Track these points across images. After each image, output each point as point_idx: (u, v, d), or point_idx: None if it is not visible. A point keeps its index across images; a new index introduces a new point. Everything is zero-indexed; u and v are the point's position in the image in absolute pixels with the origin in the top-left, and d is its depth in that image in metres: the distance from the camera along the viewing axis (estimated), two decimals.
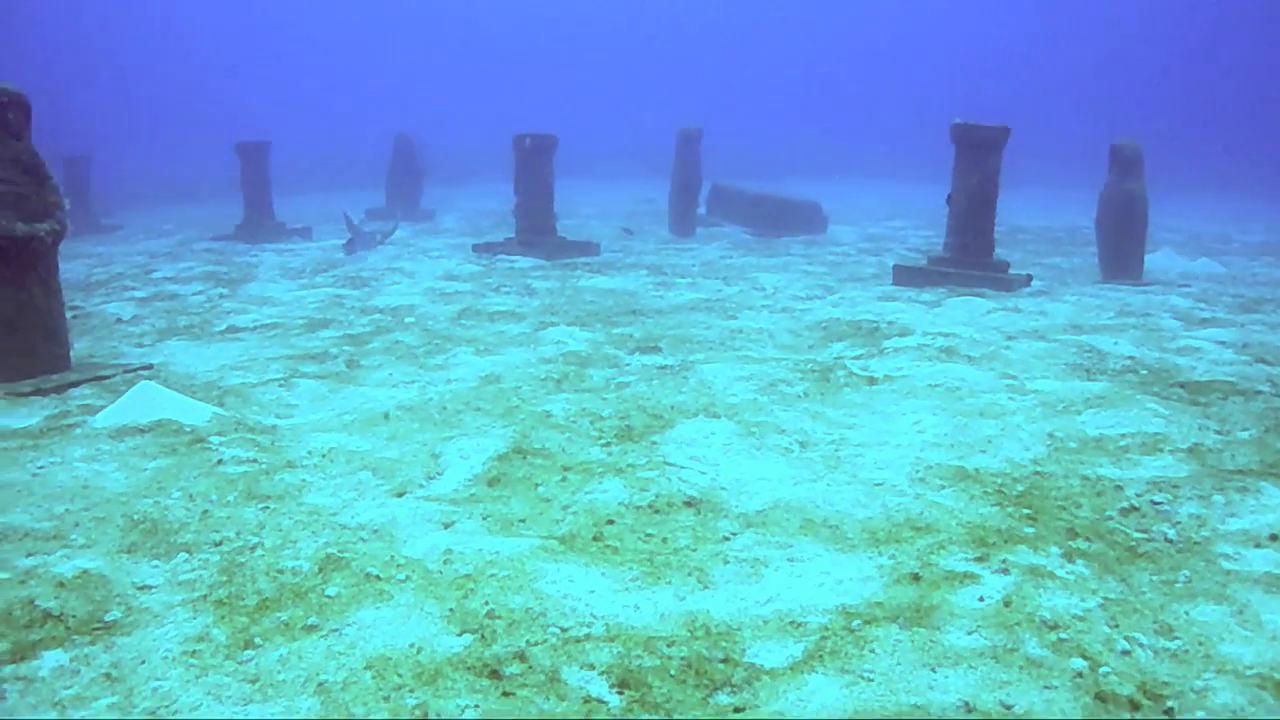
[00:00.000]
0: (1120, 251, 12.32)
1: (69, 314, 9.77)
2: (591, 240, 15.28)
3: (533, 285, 11.41)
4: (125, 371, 7.45)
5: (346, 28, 58.44)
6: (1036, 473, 4.81)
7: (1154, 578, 3.63)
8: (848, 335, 8.41)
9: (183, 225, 21.90)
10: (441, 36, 58.69)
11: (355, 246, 15.10)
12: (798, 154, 39.49)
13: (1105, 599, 3.43)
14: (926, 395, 6.31)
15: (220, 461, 5.13)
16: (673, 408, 6.03)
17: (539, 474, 4.83)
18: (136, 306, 10.42)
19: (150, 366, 7.61)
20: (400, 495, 4.62)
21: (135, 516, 4.40)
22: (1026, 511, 4.26)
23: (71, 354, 8.04)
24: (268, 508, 4.47)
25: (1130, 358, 7.28)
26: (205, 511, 4.46)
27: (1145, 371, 6.86)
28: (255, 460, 5.14)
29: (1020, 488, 4.59)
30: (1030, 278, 11.63)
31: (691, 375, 6.88)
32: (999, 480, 4.68)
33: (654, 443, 5.29)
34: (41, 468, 5.10)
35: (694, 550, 3.93)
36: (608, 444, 5.33)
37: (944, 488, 4.57)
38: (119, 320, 9.64)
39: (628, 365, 7.28)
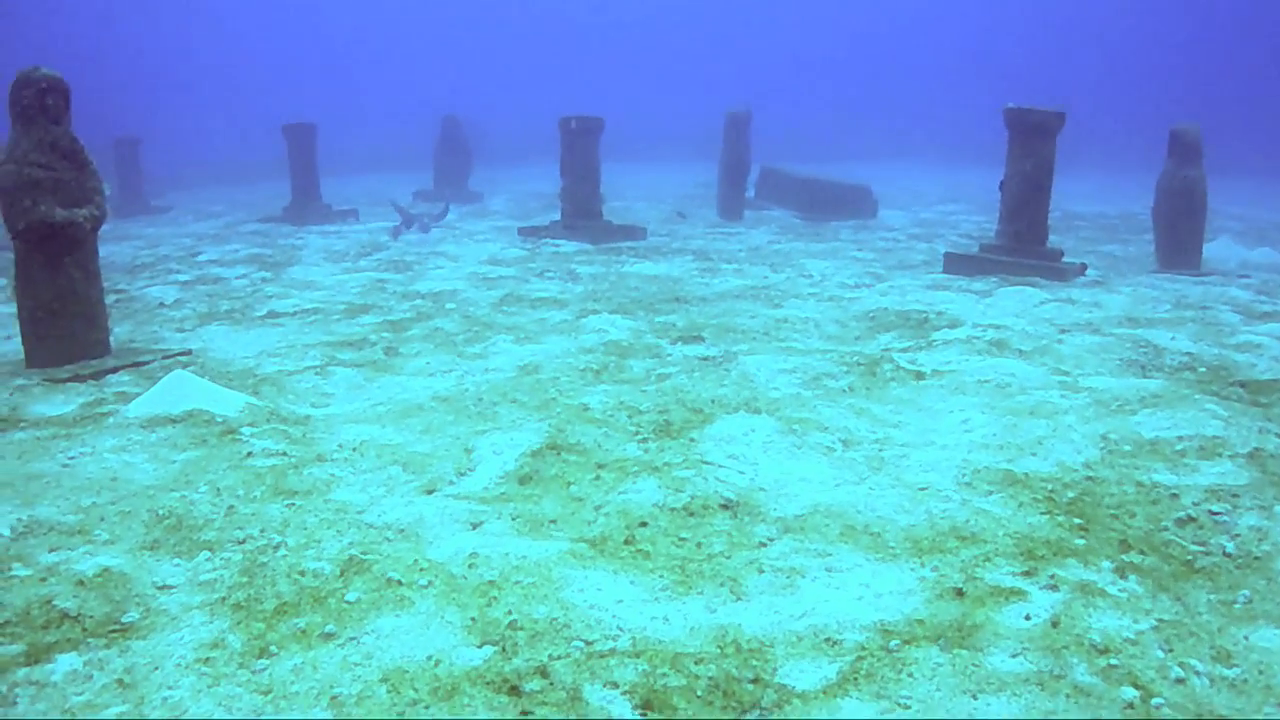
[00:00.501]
0: (1178, 241, 11.96)
1: (112, 298, 9.81)
2: (638, 224, 15.12)
3: (576, 271, 11.28)
4: (164, 358, 7.42)
5: (397, 8, 58.53)
6: (1088, 478, 4.60)
7: (1211, 596, 3.43)
8: (895, 326, 8.20)
9: (233, 207, 22.03)
10: (493, 16, 58.61)
11: (402, 230, 15.07)
12: (848, 136, 39.01)
13: (1159, 620, 3.24)
14: (975, 392, 6.10)
15: (250, 454, 5.05)
16: (713, 401, 5.88)
17: (572, 471, 4.70)
18: (179, 290, 10.42)
19: (189, 352, 7.58)
20: (430, 493, 4.51)
21: (161, 511, 4.33)
22: (1077, 521, 4.06)
23: (112, 338, 8.03)
24: (294, 504, 4.38)
25: (1188, 354, 7.01)
26: (231, 507, 4.38)
27: (1203, 369, 6.59)
28: (285, 453, 5.06)
29: (1071, 494, 4.39)
30: (1084, 267, 11.32)
31: (734, 367, 6.72)
32: (1049, 486, 4.48)
33: (692, 440, 5.14)
34: (72, 458, 5.05)
35: (728, 557, 3.78)
36: (645, 440, 5.18)
37: (991, 493, 4.39)
38: (161, 304, 9.63)
39: (669, 356, 7.13)
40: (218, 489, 4.61)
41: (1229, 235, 14.69)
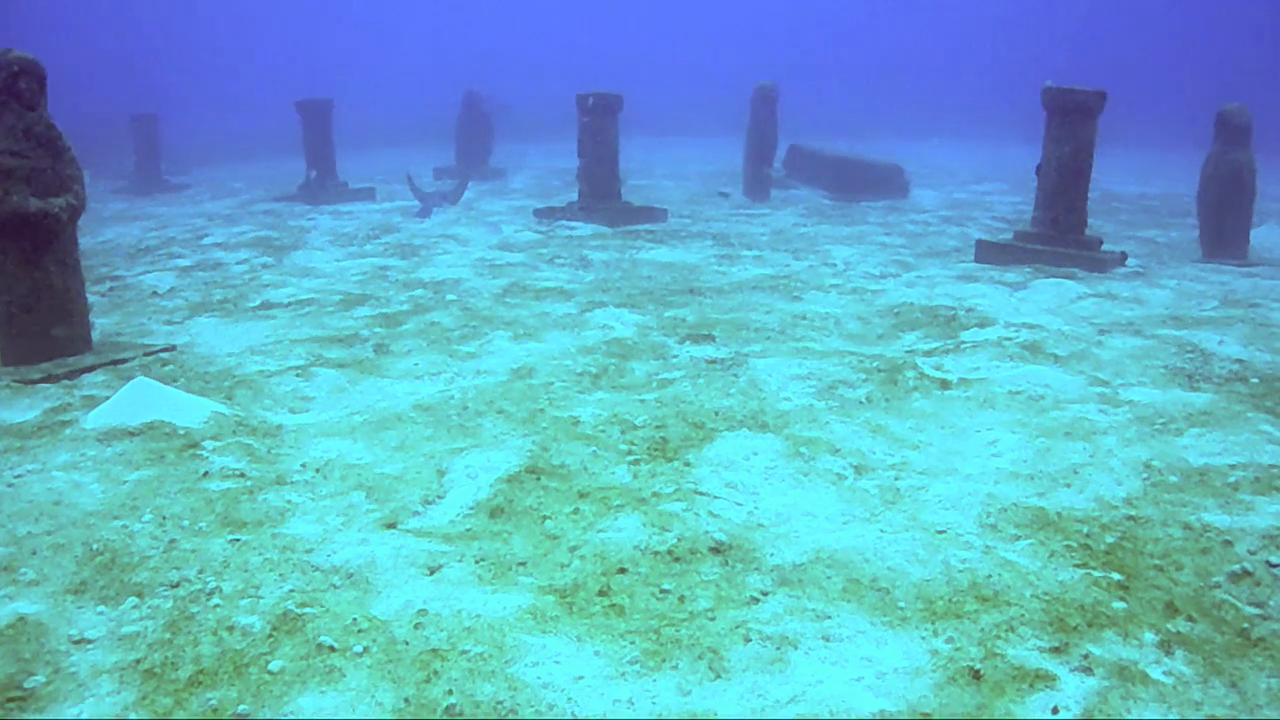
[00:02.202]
0: (1224, 228, 11.32)
1: (106, 285, 9.47)
2: (658, 206, 14.60)
3: (589, 257, 10.80)
4: (145, 355, 7.03)
5: None
6: (1129, 517, 4.09)
7: (1273, 681, 2.93)
8: (922, 324, 7.67)
9: (253, 183, 21.68)
10: None
11: (428, 211, 14.66)
12: (879, 111, 38.15)
13: (1211, 719, 2.75)
14: (1006, 406, 5.59)
15: (206, 474, 4.63)
16: (716, 414, 5.40)
17: (550, 502, 4.24)
18: (176, 277, 10.03)
19: (173, 348, 7.19)
20: (389, 526, 4.07)
21: (96, 545, 3.92)
22: (1117, 577, 3.56)
23: (98, 331, 7.68)
24: (239, 540, 3.95)
25: (1239, 361, 6.45)
26: (172, 541, 3.96)
27: (1256, 380, 6.04)
28: (243, 474, 4.64)
29: (1110, 539, 3.89)
30: (1124, 256, 10.71)
31: (743, 372, 6.24)
32: (1085, 528, 3.98)
33: (687, 463, 4.67)
34: (19, 476, 4.66)
35: (712, 618, 3.31)
36: (636, 461, 4.72)
37: (1019, 538, 3.89)
38: (155, 293, 9.25)
39: (675, 358, 6.65)
40: (163, 517, 4.19)
41: (1276, 220, 13.99)
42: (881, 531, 3.93)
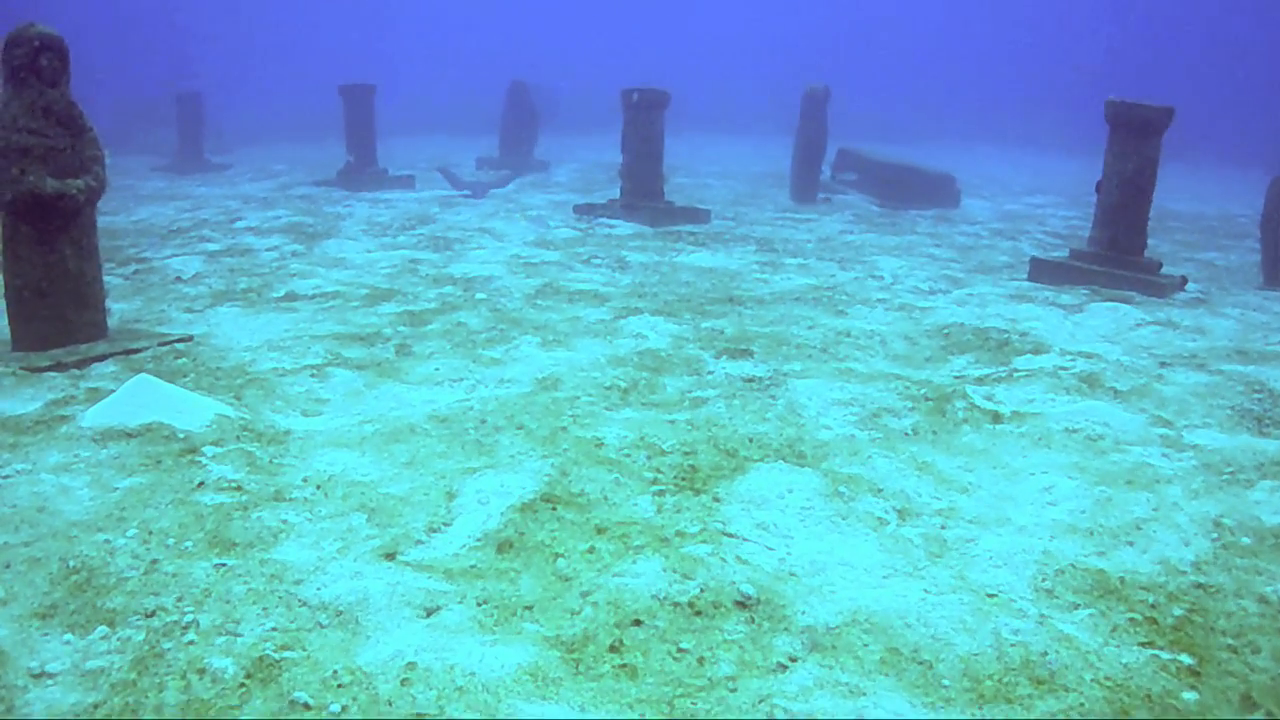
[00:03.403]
0: None
1: (131, 268, 9.25)
2: (701, 206, 14.21)
3: (626, 258, 10.45)
4: (160, 345, 6.79)
5: None
6: (1199, 585, 3.70)
7: None
8: (972, 347, 7.27)
9: (294, 165, 21.53)
10: None
11: (482, 192, 14.56)
12: (931, 118, 37.46)
13: None
14: (1062, 445, 5.19)
15: (201, 484, 4.34)
16: (751, 441, 5.04)
17: (565, 537, 3.90)
18: (203, 262, 9.79)
19: (189, 339, 6.93)
20: (389, 556, 3.74)
21: (74, 562, 3.64)
22: (1187, 660, 3.17)
23: (117, 317, 7.47)
24: (225, 564, 3.65)
25: None
26: (154, 562, 3.66)
27: None
28: (240, 486, 4.34)
29: (1178, 611, 3.50)
30: (1184, 280, 10.23)
31: (781, 394, 5.87)
32: (1150, 597, 3.59)
33: (717, 498, 4.31)
34: (6, 478, 4.41)
35: (734, 688, 2.96)
36: (661, 492, 4.37)
37: (1078, 606, 3.51)
38: (178, 278, 9.01)
39: (710, 374, 6.29)
40: (149, 532, 3.90)
41: None
42: (926, 591, 3.56)
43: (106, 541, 3.82)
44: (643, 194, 13.39)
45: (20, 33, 6.37)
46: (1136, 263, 10.18)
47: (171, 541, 3.83)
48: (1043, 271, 10.50)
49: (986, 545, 4.01)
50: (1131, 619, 3.43)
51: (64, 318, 6.57)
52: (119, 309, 7.78)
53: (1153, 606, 3.52)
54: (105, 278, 8.04)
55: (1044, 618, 3.40)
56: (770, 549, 3.87)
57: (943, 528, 4.18)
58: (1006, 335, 7.60)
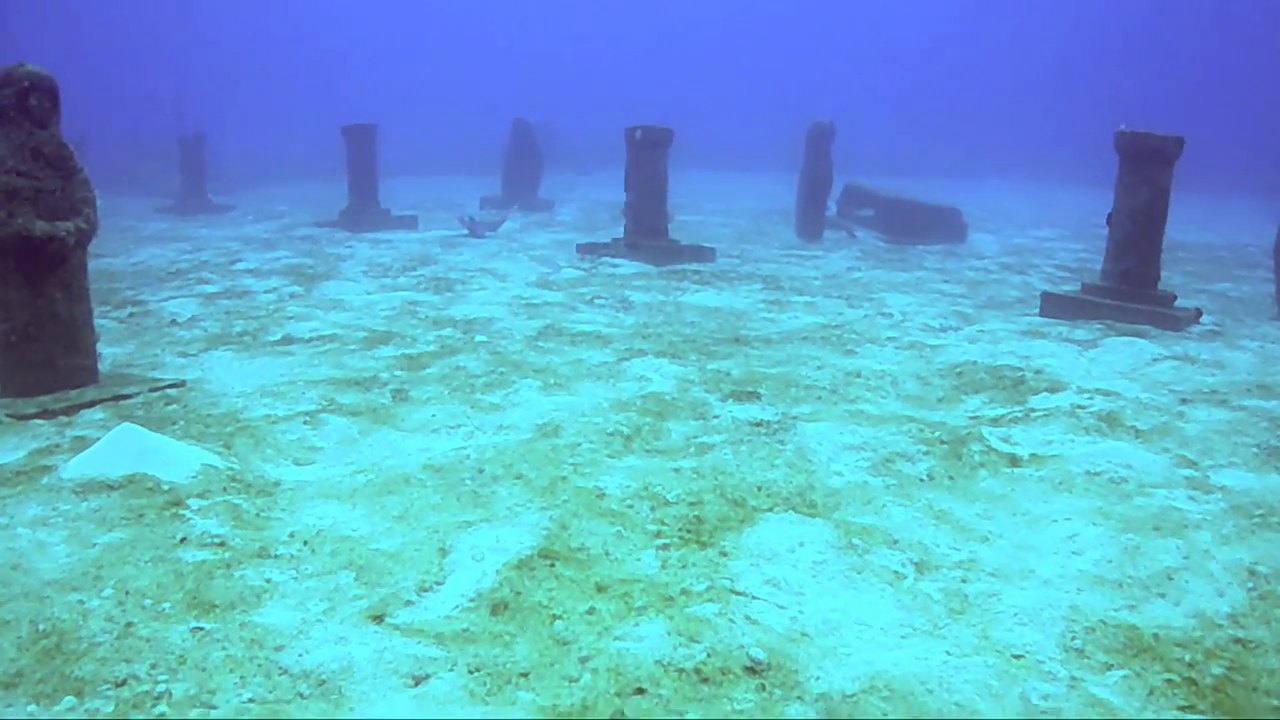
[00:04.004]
0: None
1: (126, 311, 9.09)
2: (706, 245, 14.05)
3: (631, 299, 10.27)
4: (150, 390, 6.60)
5: (473, 8, 57.98)
6: (1237, 640, 3.48)
7: None
8: (986, 386, 7.06)
9: (297, 206, 21.46)
10: (572, 18, 57.77)
11: (479, 231, 14.48)
12: (933, 152, 37.39)
13: None
14: (1084, 489, 4.97)
15: (184, 540, 4.14)
16: (759, 490, 4.83)
17: (563, 597, 3.69)
18: (200, 305, 9.62)
19: (182, 383, 6.75)
20: (377, 619, 3.53)
21: (44, 625, 3.43)
22: None
23: (109, 360, 7.30)
24: (203, 629, 3.44)
25: None
26: (129, 626, 3.45)
27: None
28: (224, 542, 4.13)
29: (1217, 670, 3.27)
30: (1199, 313, 10.03)
31: (790, 439, 5.66)
32: (1186, 654, 3.37)
33: (724, 552, 4.10)
34: None
35: None
36: (666, 545, 4.16)
37: (1111, 667, 3.28)
38: (174, 321, 8.84)
39: (716, 418, 6.09)
40: (126, 592, 3.69)
41: None
42: (948, 653, 3.34)
43: (80, 602, 3.61)
44: (647, 232, 13.24)
45: (9, 73, 6.25)
46: (1150, 296, 9.99)
47: (149, 602, 3.62)
48: (1055, 306, 10.31)
49: (1010, 600, 3.79)
50: (1168, 680, 3.20)
51: (53, 363, 6.41)
52: (112, 353, 7.61)
53: (1190, 665, 3.30)
54: (100, 321, 7.88)
55: (1075, 680, 3.17)
56: (781, 607, 3.66)
57: (963, 581, 3.96)
58: (1021, 373, 7.40)
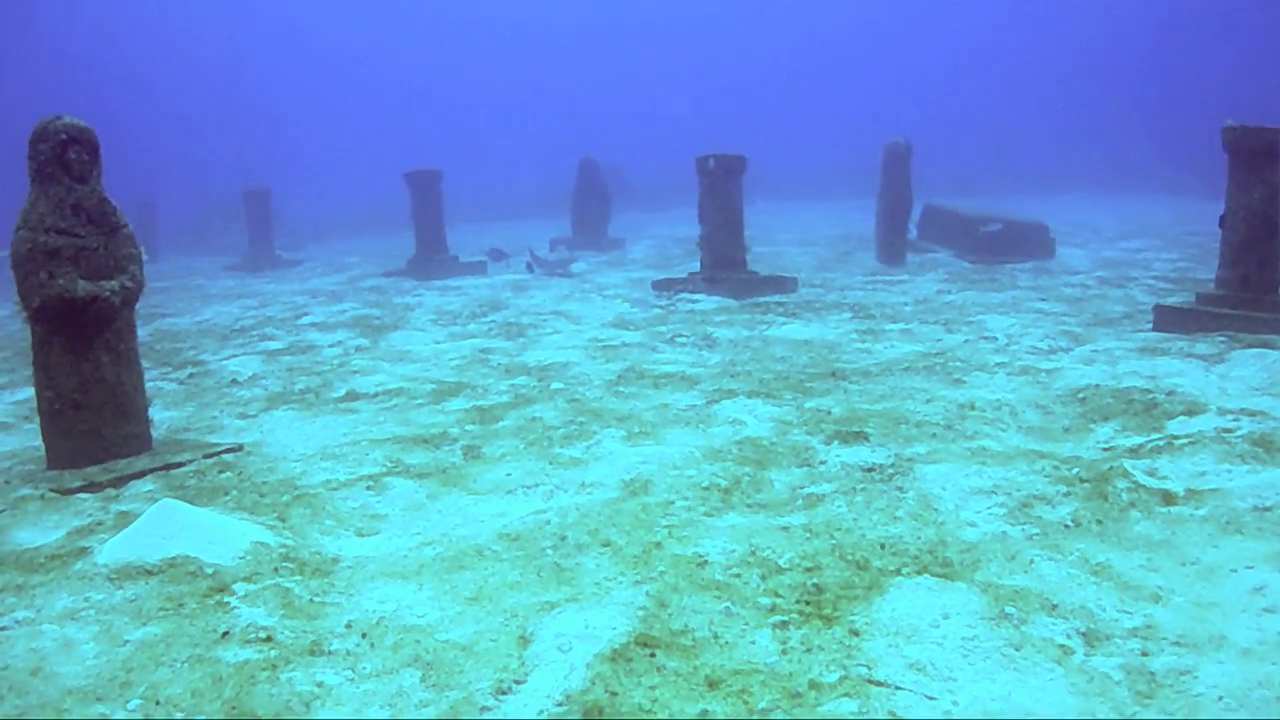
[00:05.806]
0: None
1: (186, 372, 8.72)
2: (786, 275, 13.41)
3: (713, 335, 9.67)
4: (205, 456, 6.15)
5: (534, 48, 58.22)
6: None
7: None
8: (1115, 413, 6.32)
9: (366, 258, 21.27)
10: (639, 51, 57.71)
11: (544, 268, 14.04)
12: (1011, 168, 36.41)
13: None
14: (1256, 530, 4.24)
15: (226, 635, 3.60)
16: (883, 548, 4.18)
17: (668, 696, 3.06)
18: (262, 362, 9.21)
19: (239, 448, 6.29)
20: None
21: None
22: None
23: (165, 425, 6.89)
24: None
25: None
26: None
27: None
28: (271, 637, 3.58)
29: None
30: None
31: (909, 484, 5.00)
32: None
33: (854, 630, 3.45)
34: (4, 629, 3.71)
35: None
36: (784, 624, 3.52)
37: None
38: (234, 381, 8.42)
39: (822, 464, 5.44)
40: (155, 702, 3.16)
41: None
42: None
43: (103, 717, 3.08)
44: (724, 265, 12.65)
45: (45, 126, 5.91)
46: (1273, 302, 9.16)
47: (180, 716, 3.07)
48: (1169, 319, 9.51)
49: (1209, 678, 3.09)
50: None
51: (101, 431, 6.01)
52: (168, 417, 7.19)
53: None
54: (159, 383, 7.48)
55: None
56: (932, 699, 3.00)
57: (1144, 654, 3.27)
58: (1151, 395, 6.64)
